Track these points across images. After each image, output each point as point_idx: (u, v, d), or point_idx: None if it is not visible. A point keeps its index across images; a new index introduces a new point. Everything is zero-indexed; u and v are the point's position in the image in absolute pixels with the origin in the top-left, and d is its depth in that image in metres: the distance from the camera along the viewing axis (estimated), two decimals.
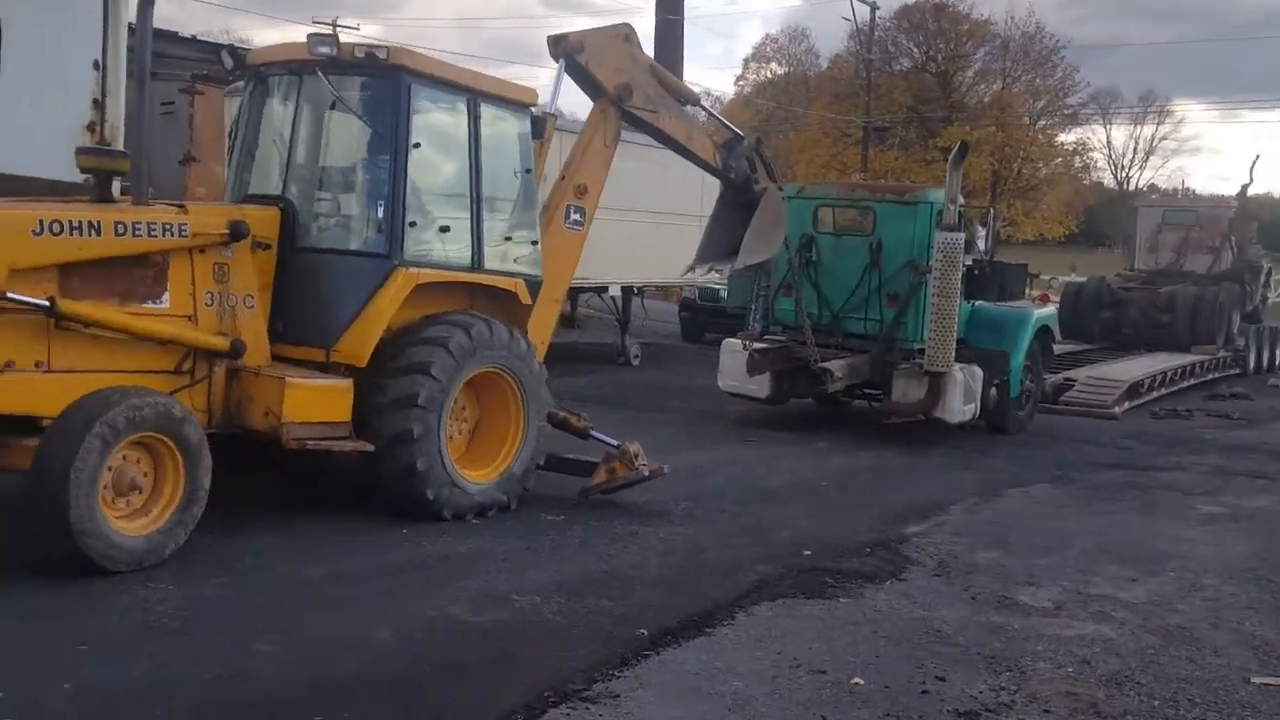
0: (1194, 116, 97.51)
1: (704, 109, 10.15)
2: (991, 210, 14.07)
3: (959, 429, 12.26)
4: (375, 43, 7.04)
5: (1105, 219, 60.44)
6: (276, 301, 7.06)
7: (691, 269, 11.23)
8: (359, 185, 7.56)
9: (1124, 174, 71.91)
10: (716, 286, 18.76)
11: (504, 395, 7.71)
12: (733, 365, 12.36)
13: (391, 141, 7.13)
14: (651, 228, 16.16)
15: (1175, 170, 71.08)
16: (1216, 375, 19.54)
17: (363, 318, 7.00)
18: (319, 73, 7.05)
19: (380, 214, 7.14)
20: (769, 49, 65.78)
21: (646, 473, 8.05)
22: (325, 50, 6.95)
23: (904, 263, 12.17)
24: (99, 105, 8.29)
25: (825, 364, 11.96)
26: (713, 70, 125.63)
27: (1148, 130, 69.54)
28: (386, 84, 7.19)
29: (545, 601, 5.83)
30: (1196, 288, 20.27)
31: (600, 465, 8.15)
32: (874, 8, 44.36)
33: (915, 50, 54.82)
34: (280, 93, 7.58)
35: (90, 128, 8.30)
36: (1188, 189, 64.55)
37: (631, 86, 8.86)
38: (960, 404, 11.92)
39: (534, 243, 8.17)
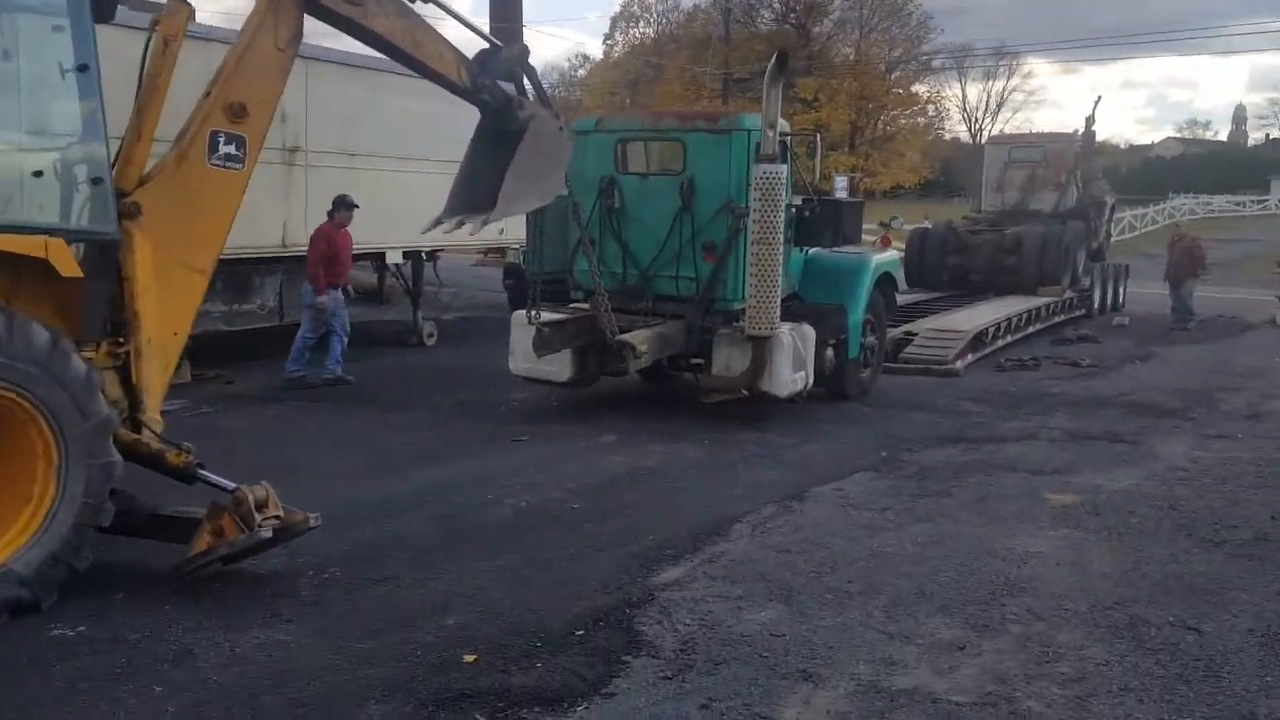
0: (1038, 71, 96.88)
1: (442, 6, 7.06)
2: (819, 135, 11.19)
3: (790, 401, 9.59)
4: None
5: (961, 170, 58.86)
6: None
7: (438, 223, 8.18)
8: None
9: (977, 126, 70.68)
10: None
11: (21, 427, 4.69)
12: (525, 344, 9.51)
13: None
14: (444, 180, 13.02)
15: (1024, 122, 69.77)
16: (1063, 318, 17.47)
17: None
18: None
19: None
20: (636, 7, 62.23)
21: (269, 533, 5.08)
22: None
23: (720, 205, 9.45)
24: None
25: (625, 337, 9.19)
26: (591, 36, 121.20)
27: (998, 85, 68.40)
28: None
29: None
30: (1042, 227, 18.10)
31: (204, 525, 5.15)
32: None
33: (775, 2, 51.98)
34: None
35: None
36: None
37: None
38: (789, 373, 9.27)
39: (97, 180, 5.17)
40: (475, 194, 7.66)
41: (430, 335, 13.91)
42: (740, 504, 6.98)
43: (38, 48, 5.15)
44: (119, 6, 5.72)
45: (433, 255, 14.00)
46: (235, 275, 11.55)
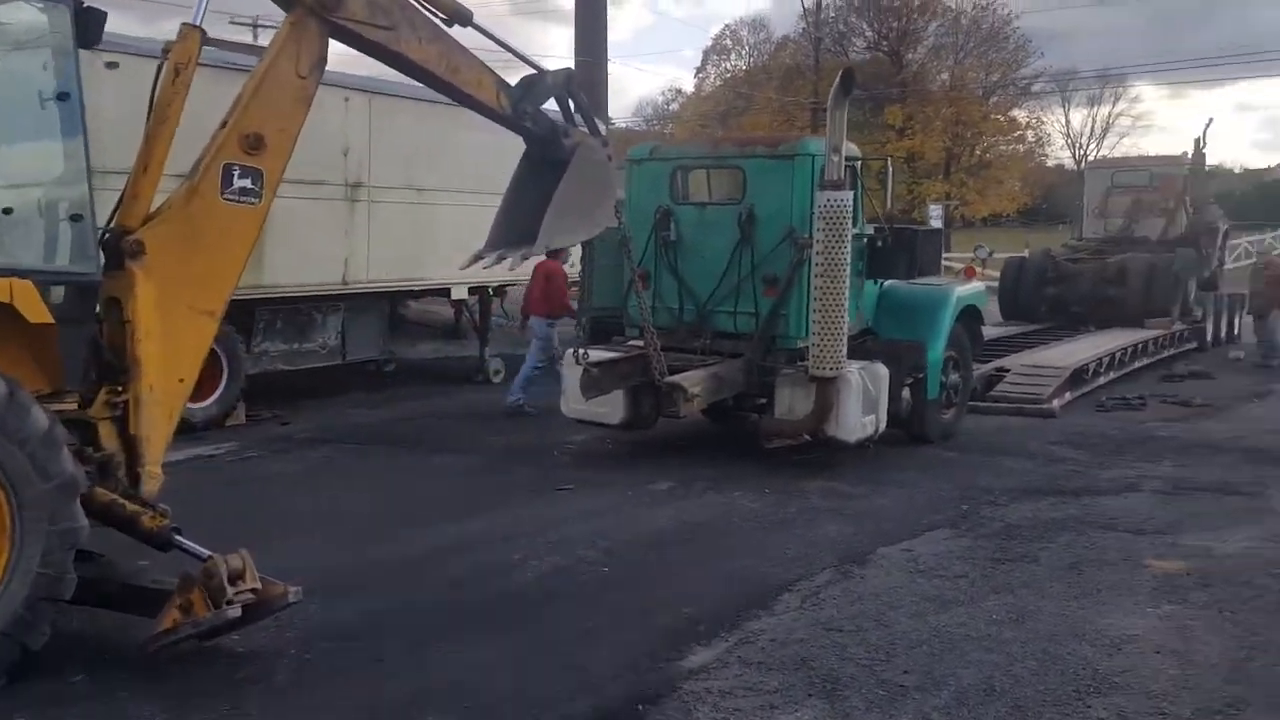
0: (1145, 95, 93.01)
1: (483, 32, 6.60)
2: (889, 161, 10.46)
3: (861, 447, 8.81)
4: None
5: (1063, 197, 56.79)
6: None
7: (477, 258, 7.64)
8: None
9: (1082, 152, 67.84)
10: None
11: None
12: (575, 384, 8.93)
13: None
14: None
15: (1131, 147, 66.30)
16: (1173, 351, 16.17)
17: None
18: None
19: None
20: (728, 40, 61.68)
21: (237, 612, 4.48)
22: None
23: (781, 236, 8.84)
24: None
25: (675, 378, 8.56)
26: (686, 70, 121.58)
27: (1104, 110, 65.69)
28: None
29: None
30: (1149, 255, 16.88)
31: (172, 599, 4.57)
32: None
33: (868, 29, 50.77)
34: None
35: None
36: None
37: None
38: (858, 416, 8.54)
39: (76, 218, 4.78)
40: (517, 227, 7.17)
41: (497, 372, 13.47)
42: (792, 568, 6.25)
43: (11, 75, 4.80)
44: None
45: (500, 290, 13.56)
46: (295, 314, 11.27)
